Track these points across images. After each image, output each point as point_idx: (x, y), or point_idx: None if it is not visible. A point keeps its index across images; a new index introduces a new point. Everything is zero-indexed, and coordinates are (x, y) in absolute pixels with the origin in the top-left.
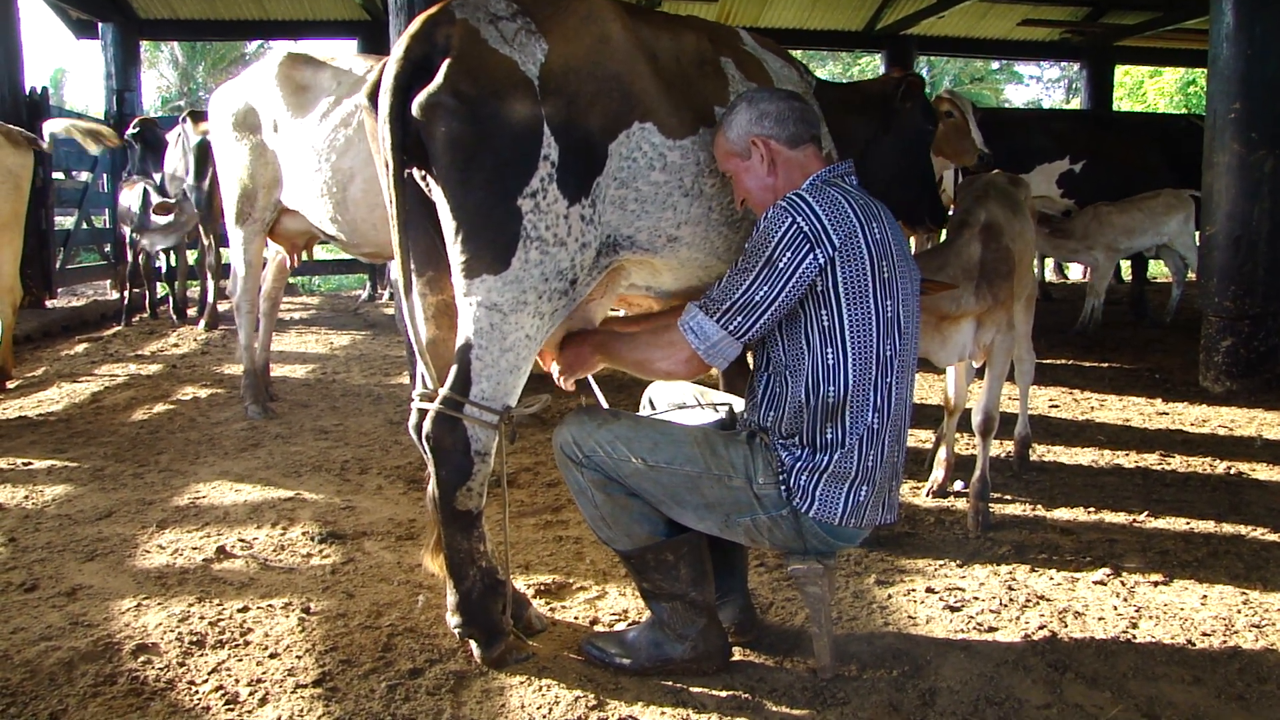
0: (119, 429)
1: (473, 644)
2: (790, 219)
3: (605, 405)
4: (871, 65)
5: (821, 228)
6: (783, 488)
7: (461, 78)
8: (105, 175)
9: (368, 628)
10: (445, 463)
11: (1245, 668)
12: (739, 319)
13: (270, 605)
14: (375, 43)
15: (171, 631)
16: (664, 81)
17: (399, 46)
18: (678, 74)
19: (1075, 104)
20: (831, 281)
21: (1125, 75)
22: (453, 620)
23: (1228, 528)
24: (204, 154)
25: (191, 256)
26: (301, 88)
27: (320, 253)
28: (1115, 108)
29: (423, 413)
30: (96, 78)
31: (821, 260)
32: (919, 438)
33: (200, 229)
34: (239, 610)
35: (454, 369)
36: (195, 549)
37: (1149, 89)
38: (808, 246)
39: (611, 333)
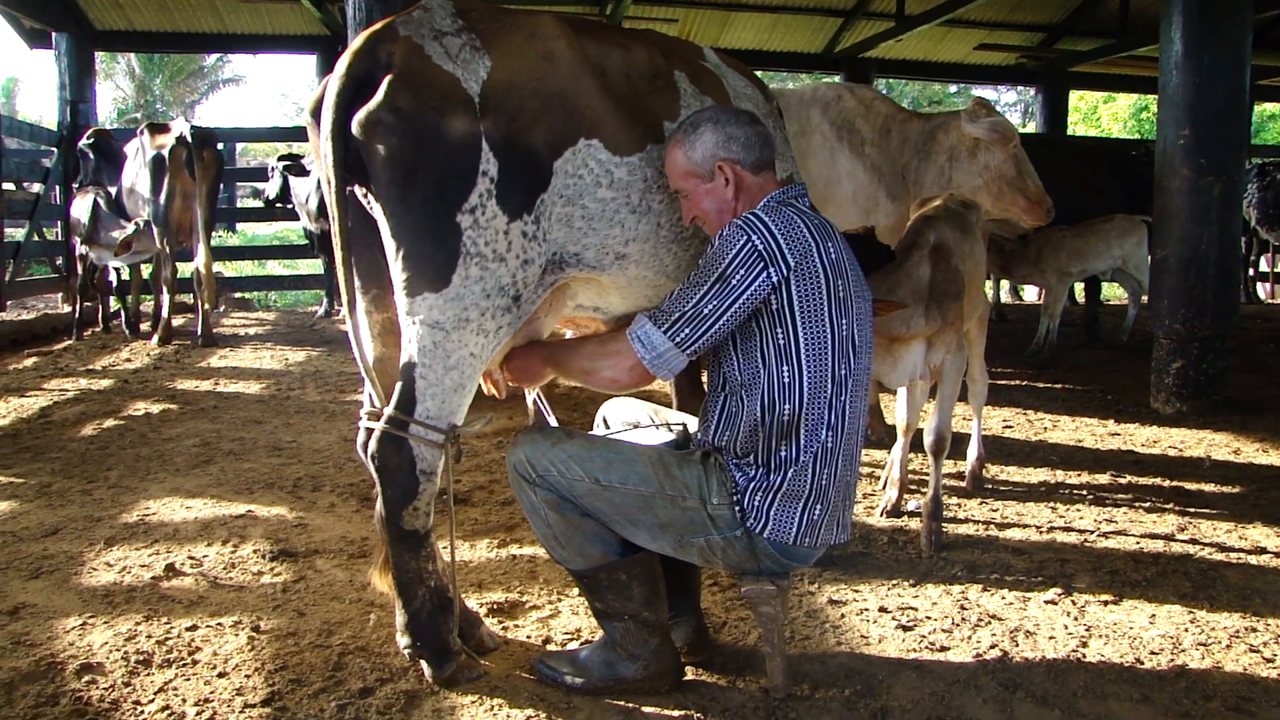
0: (68, 444)
1: (423, 664)
2: (746, 237)
3: (555, 424)
4: None
5: (777, 247)
6: (737, 508)
7: (401, 94)
8: (58, 187)
9: (318, 646)
10: (391, 482)
11: (1192, 686)
12: (686, 330)
13: (219, 624)
14: (334, 58)
15: (117, 650)
16: (612, 98)
17: (342, 63)
18: (627, 90)
19: (1031, 128)
20: (787, 300)
21: (1080, 100)
22: (402, 640)
23: (1176, 547)
24: (161, 167)
25: (146, 270)
26: None
27: (276, 267)
28: (1070, 132)
29: (370, 431)
30: (50, 88)
31: (775, 279)
32: (873, 457)
33: (157, 242)
34: (187, 629)
35: (398, 388)
36: (144, 566)
37: (1103, 114)
38: (761, 265)
39: (561, 344)
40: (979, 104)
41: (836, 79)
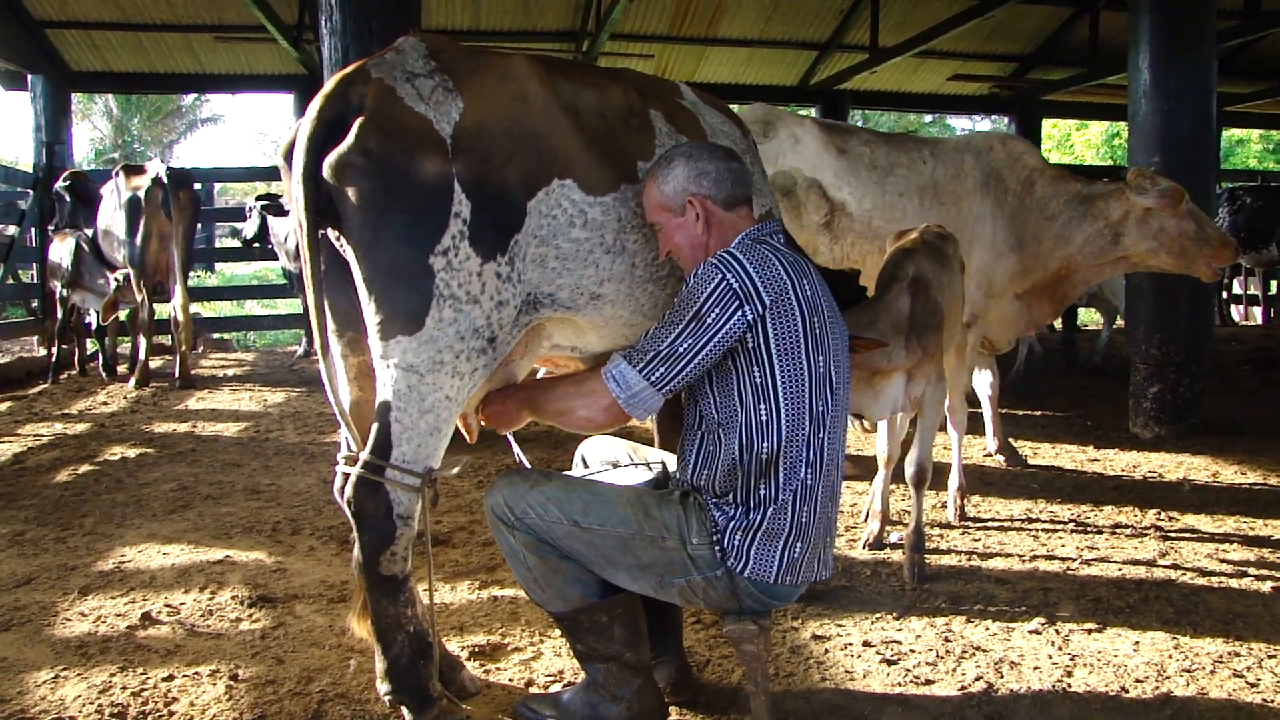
0: (42, 491)
1: (404, 710)
2: (720, 276)
3: (527, 464)
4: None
5: (752, 285)
6: (717, 548)
7: (371, 137)
8: (33, 229)
9: (297, 694)
10: (368, 527)
11: (1177, 713)
12: (661, 369)
13: (196, 673)
14: (311, 97)
15: (91, 704)
16: (585, 137)
17: (313, 106)
18: (601, 129)
19: None
20: (763, 338)
21: (1053, 128)
22: (383, 687)
23: (1158, 573)
24: (136, 209)
25: (123, 312)
26: (843, 152)
27: (255, 307)
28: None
29: (347, 476)
30: (26, 129)
31: (750, 317)
32: (854, 490)
33: (133, 284)
34: (163, 679)
35: (374, 432)
36: (119, 616)
37: (1076, 141)
38: (737, 303)
39: (536, 385)
40: (1140, 174)
41: (812, 111)
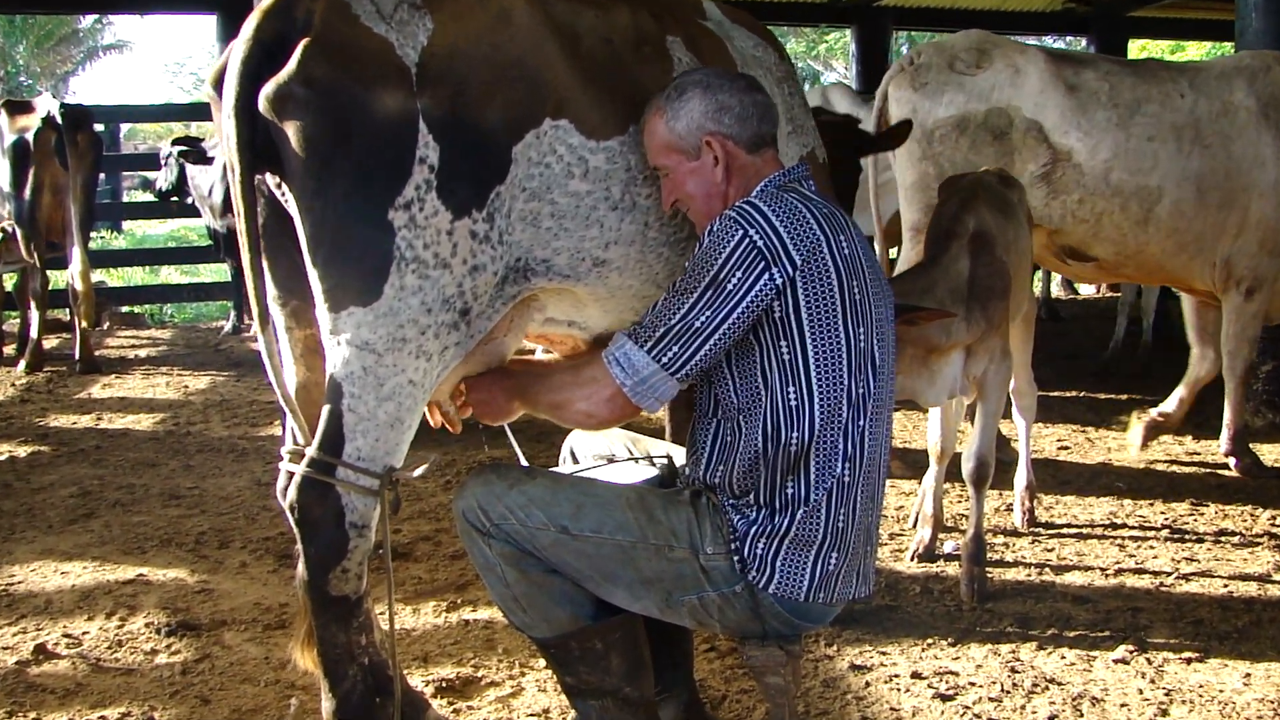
0: None
1: None
2: (742, 232)
3: (523, 459)
4: (841, 42)
5: (780, 242)
6: (735, 559)
7: (317, 62)
8: None
9: None
10: (315, 537)
11: None
12: (675, 349)
13: (103, 717)
14: (237, 20)
15: None
16: (585, 69)
17: (249, 23)
18: (606, 59)
19: None
20: (793, 306)
21: (1141, 50)
22: None
23: (1272, 590)
24: (24, 155)
25: (9, 280)
26: (1073, 88)
27: (172, 274)
28: None
29: (290, 475)
30: None
31: (779, 281)
32: (901, 489)
33: (23, 247)
34: None
35: (322, 422)
36: (6, 649)
37: None
38: (762, 265)
39: (527, 371)
40: None
41: (848, 34)
